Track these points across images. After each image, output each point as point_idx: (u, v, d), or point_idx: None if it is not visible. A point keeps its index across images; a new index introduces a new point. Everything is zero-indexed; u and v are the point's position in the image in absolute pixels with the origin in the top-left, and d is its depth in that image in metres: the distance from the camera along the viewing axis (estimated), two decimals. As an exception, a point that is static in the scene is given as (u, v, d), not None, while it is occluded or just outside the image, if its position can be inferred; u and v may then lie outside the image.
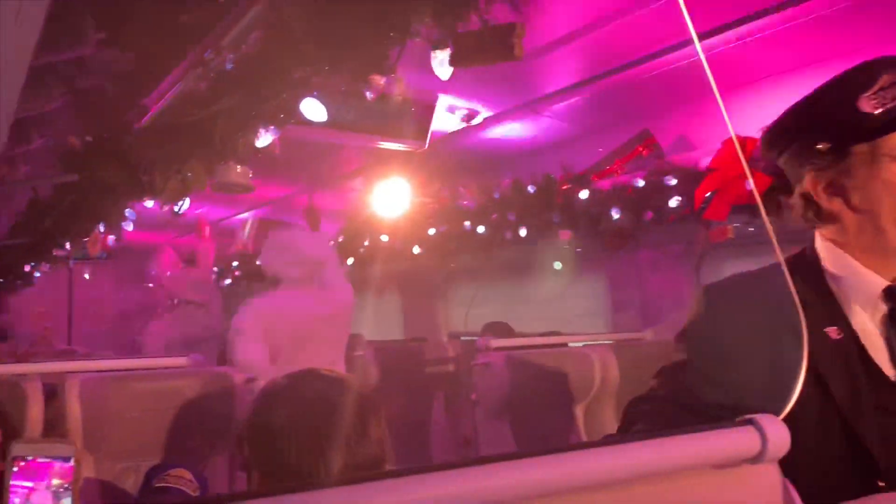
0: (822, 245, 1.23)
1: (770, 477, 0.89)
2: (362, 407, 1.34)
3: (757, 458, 0.85)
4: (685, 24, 1.20)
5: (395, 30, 1.46)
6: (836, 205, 1.19)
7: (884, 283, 1.17)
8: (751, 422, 0.87)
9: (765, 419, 0.88)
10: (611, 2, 2.51)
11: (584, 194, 3.26)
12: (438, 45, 1.57)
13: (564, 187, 3.35)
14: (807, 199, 1.21)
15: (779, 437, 0.86)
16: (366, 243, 4.65)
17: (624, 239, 3.22)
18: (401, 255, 4.46)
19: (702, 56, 1.19)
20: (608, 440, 0.83)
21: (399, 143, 3.18)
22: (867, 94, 1.15)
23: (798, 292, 1.11)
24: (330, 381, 1.37)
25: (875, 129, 1.14)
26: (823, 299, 1.18)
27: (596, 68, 3.06)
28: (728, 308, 1.22)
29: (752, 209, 2.64)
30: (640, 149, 3.33)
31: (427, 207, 4.00)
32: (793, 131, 1.23)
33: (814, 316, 1.12)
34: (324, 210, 4.77)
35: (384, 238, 4.42)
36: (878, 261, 1.17)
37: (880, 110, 1.14)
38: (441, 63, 1.59)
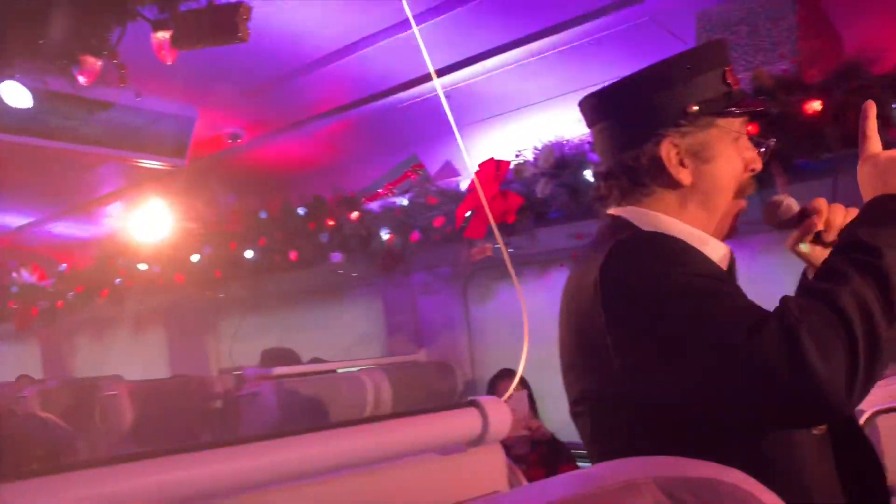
0: (647, 216, 1.18)
1: (494, 458, 0.90)
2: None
3: (479, 440, 0.85)
4: (430, 56, 1.20)
5: (109, 6, 1.34)
6: (683, 174, 1.16)
7: (725, 248, 1.19)
8: (473, 404, 0.87)
9: (488, 401, 0.88)
10: (369, 25, 2.53)
11: (354, 215, 3.25)
12: (159, 27, 1.46)
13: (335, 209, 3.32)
14: (651, 163, 1.17)
15: (500, 418, 0.87)
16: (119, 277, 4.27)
17: (395, 260, 3.24)
18: (163, 285, 4.15)
19: (439, 90, 1.19)
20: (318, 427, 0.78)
21: (155, 159, 2.96)
22: (728, 70, 1.19)
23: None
24: None
25: (741, 104, 1.17)
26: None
27: (359, 92, 3.08)
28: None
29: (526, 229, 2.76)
30: (409, 173, 3.40)
31: (190, 231, 3.76)
32: (655, 87, 1.19)
33: None
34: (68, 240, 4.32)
35: (142, 267, 4.09)
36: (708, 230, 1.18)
37: (734, 87, 1.18)
38: (163, 45, 1.48)
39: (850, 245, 1.00)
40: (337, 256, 3.35)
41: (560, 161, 2.53)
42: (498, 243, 2.99)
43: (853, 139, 2.00)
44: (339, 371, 3.23)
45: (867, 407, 1.54)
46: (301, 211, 3.44)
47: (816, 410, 0.94)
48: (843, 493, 1.08)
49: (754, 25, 2.20)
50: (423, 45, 1.20)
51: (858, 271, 0.95)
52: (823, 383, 0.89)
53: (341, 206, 3.32)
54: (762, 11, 2.20)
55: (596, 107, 1.25)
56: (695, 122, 1.16)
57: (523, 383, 2.97)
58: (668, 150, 1.16)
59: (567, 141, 2.57)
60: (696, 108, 1.15)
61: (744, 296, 1.01)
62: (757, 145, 1.20)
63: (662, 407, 1.01)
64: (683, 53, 1.20)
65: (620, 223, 1.18)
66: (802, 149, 2.05)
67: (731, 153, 1.17)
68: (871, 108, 1.11)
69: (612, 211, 1.22)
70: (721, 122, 1.17)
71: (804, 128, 2.00)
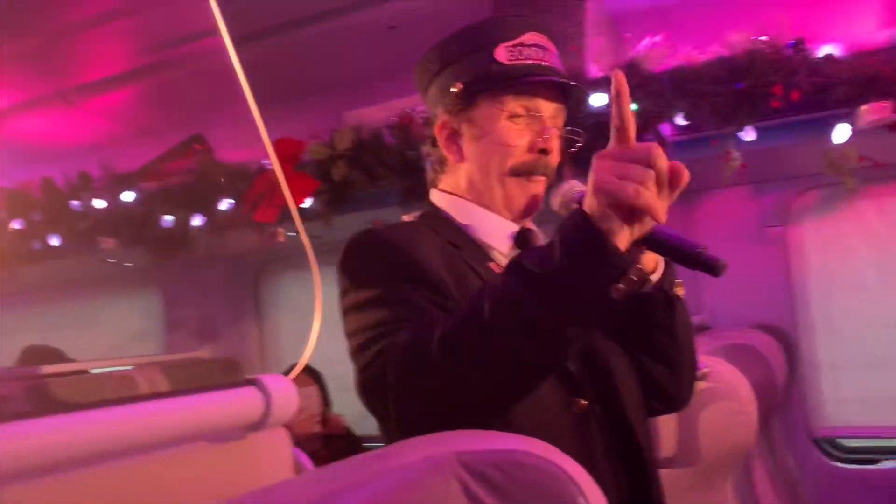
0: (441, 199, 1.19)
1: (278, 444, 0.79)
2: None
3: (260, 424, 0.74)
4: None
5: None
6: (453, 153, 1.17)
7: (513, 227, 1.16)
8: (252, 382, 0.76)
9: (270, 379, 0.77)
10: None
11: (128, 196, 2.93)
12: None
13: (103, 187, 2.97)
14: (434, 144, 1.19)
15: (285, 397, 0.77)
16: None
17: (175, 247, 2.96)
18: None
19: (234, 58, 1.06)
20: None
21: None
22: (507, 45, 1.13)
23: (446, 239, 1.10)
24: None
25: (501, 79, 1.12)
26: (470, 245, 1.13)
27: (137, 60, 2.79)
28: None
29: (320, 215, 2.62)
30: (193, 150, 3.13)
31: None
32: (433, 68, 1.18)
33: (472, 255, 1.10)
34: None
35: None
36: (493, 211, 1.16)
37: (513, 63, 1.12)
38: None
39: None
40: (108, 243, 3.01)
41: (358, 143, 2.44)
42: (291, 230, 2.85)
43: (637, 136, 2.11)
44: (108, 370, 2.90)
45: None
46: (65, 190, 3.06)
47: None
48: (610, 470, 1.08)
49: (545, 20, 2.27)
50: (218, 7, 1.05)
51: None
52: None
53: (114, 185, 2.98)
54: (555, 7, 2.27)
55: (417, 85, 1.25)
56: (463, 100, 1.14)
57: (315, 376, 2.84)
58: (439, 130, 1.18)
59: (367, 123, 2.49)
60: (458, 86, 1.14)
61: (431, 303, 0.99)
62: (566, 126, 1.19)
63: None
64: (453, 35, 1.18)
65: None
66: (591, 142, 2.13)
67: (500, 131, 1.14)
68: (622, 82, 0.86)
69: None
70: (487, 98, 1.14)
71: (594, 121, 2.07)
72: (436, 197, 1.21)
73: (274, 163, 2.43)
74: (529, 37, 1.14)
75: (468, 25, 1.18)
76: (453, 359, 0.87)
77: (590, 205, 0.82)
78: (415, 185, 2.27)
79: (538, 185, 1.16)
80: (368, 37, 2.73)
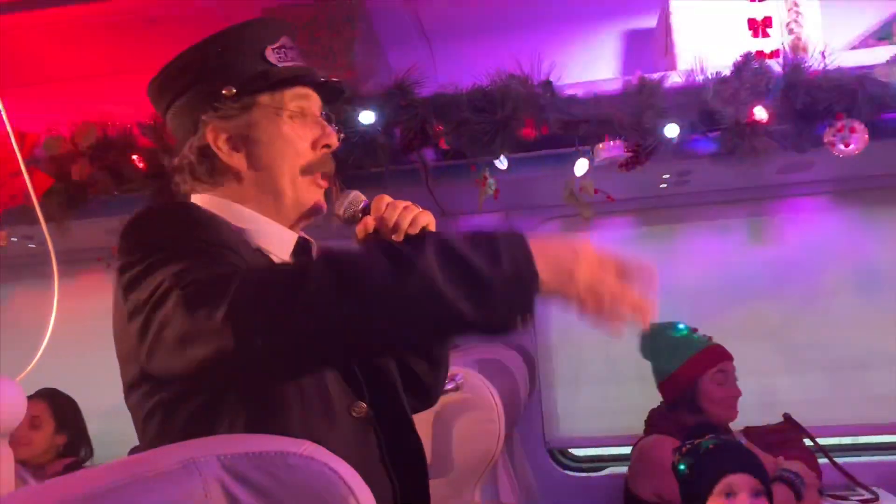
0: (211, 203, 1.11)
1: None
2: None
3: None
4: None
5: None
6: (236, 160, 1.11)
7: (293, 235, 1.14)
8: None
9: (-8, 384, 0.66)
10: None
11: None
12: None
13: None
14: (203, 153, 1.11)
15: (8, 404, 0.65)
16: None
17: None
18: None
19: None
20: None
21: None
22: (273, 47, 1.13)
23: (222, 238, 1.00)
24: None
25: (278, 80, 1.12)
26: (248, 248, 1.07)
27: None
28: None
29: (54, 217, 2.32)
30: None
31: None
32: (193, 74, 1.11)
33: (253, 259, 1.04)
34: None
35: None
36: (279, 217, 1.13)
37: (283, 65, 1.13)
38: None
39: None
40: None
41: (103, 142, 2.22)
42: (14, 235, 2.51)
43: (398, 155, 2.16)
44: None
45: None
46: None
47: None
48: (388, 477, 1.09)
49: (316, 32, 2.26)
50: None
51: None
52: None
53: None
54: (324, 21, 2.27)
55: (154, 96, 1.17)
56: (235, 104, 1.11)
57: (52, 397, 2.53)
58: (214, 137, 1.11)
59: (114, 121, 2.28)
60: (230, 90, 1.11)
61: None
62: (327, 120, 1.19)
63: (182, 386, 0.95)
64: (215, 36, 1.14)
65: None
66: (358, 159, 2.14)
67: (285, 131, 1.13)
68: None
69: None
70: (265, 100, 1.13)
71: (360, 137, 2.09)
72: (202, 201, 1.13)
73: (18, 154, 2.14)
74: (286, 40, 1.16)
75: (231, 27, 1.15)
76: (348, 300, 0.81)
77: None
78: (165, 190, 2.12)
79: (322, 189, 1.17)
80: (124, 28, 2.52)
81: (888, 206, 2.66)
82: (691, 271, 2.78)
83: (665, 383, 2.30)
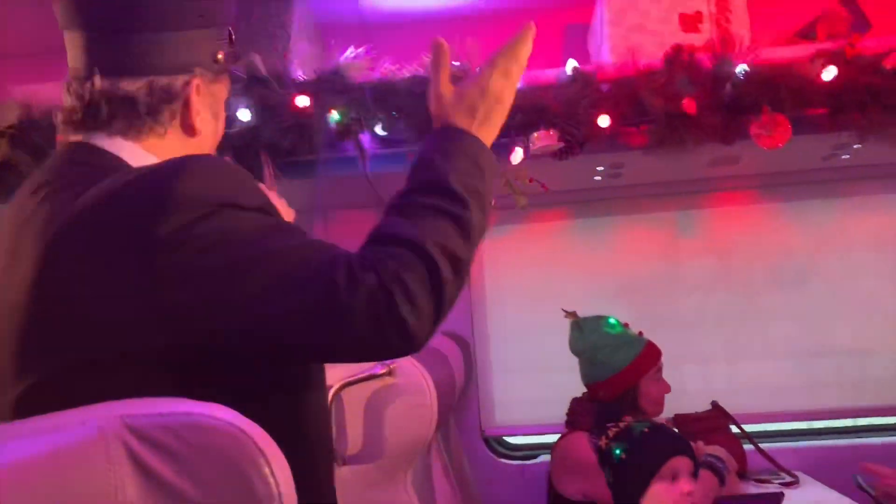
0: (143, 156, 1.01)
1: None
2: None
3: None
4: None
5: None
6: (199, 121, 1.06)
7: None
8: None
9: None
10: None
11: None
12: None
13: None
14: (176, 99, 1.03)
15: None
16: None
17: None
18: None
19: None
20: None
21: None
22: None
23: None
24: None
25: (236, 60, 1.12)
26: None
27: None
28: None
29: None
30: None
31: None
32: (211, 16, 1.06)
33: None
34: None
35: None
36: None
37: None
38: None
39: (436, 189, 0.97)
40: None
41: (27, 121, 2.14)
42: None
43: (335, 143, 2.14)
44: None
45: (334, 381, 1.63)
46: None
47: (396, 354, 0.91)
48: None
49: (252, 15, 2.22)
50: None
51: (446, 220, 0.94)
52: (413, 338, 0.87)
53: None
54: (262, 4, 2.24)
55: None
56: (219, 70, 1.09)
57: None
58: (196, 91, 1.05)
59: (38, 101, 2.20)
60: (223, 54, 1.08)
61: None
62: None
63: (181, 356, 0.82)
64: None
65: (105, 159, 0.98)
66: (292, 144, 2.11)
67: (223, 112, 1.14)
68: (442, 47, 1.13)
69: (98, 141, 1.00)
70: (226, 78, 1.12)
71: (295, 122, 2.07)
72: (141, 158, 1.00)
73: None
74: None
75: None
76: (459, 280, 0.93)
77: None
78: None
79: None
80: (48, 6, 2.42)
81: (811, 199, 2.77)
82: (625, 263, 2.85)
83: (603, 383, 2.27)
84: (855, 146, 2.37)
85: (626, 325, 2.34)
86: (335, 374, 1.67)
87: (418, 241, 0.89)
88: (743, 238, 2.80)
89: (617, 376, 2.23)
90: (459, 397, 2.69)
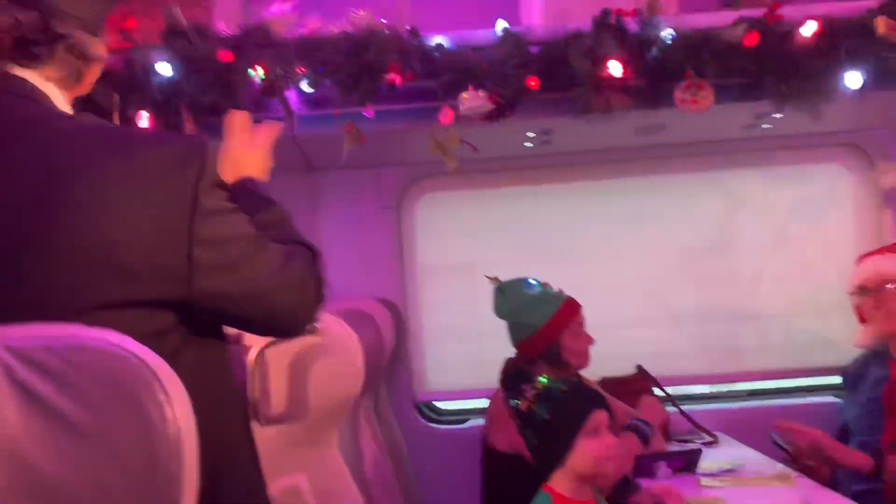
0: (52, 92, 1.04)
1: None
2: None
3: None
4: None
5: None
6: (88, 72, 1.09)
7: None
8: None
9: None
10: None
11: None
12: None
13: None
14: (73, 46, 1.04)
15: None
16: None
17: None
18: None
19: None
20: None
21: None
22: None
23: None
24: None
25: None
26: None
27: None
28: None
29: None
30: None
31: None
32: None
33: None
34: None
35: None
36: None
37: None
38: None
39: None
40: None
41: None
42: None
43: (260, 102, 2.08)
44: None
45: (254, 343, 1.60)
46: None
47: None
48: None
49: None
50: None
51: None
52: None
53: None
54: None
55: None
56: (100, 28, 1.10)
57: None
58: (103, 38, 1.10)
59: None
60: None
61: None
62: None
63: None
64: None
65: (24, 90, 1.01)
66: (214, 101, 2.05)
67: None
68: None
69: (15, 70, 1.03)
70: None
71: (217, 77, 2.00)
72: (37, 87, 1.04)
73: None
74: None
75: None
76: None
77: None
78: None
79: None
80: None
81: (734, 169, 2.85)
82: (555, 230, 2.88)
83: (527, 341, 2.30)
84: (775, 115, 2.44)
85: (545, 285, 2.35)
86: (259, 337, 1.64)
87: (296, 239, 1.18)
88: (669, 206, 2.86)
89: (539, 333, 2.26)
90: (390, 363, 2.68)
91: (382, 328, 2.24)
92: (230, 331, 1.16)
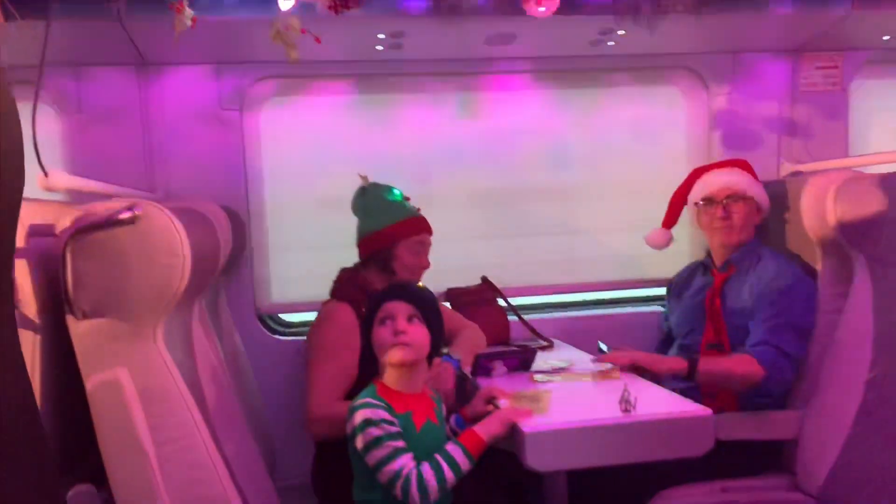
0: None
1: None
2: None
3: None
4: None
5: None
6: None
7: None
8: None
9: None
10: None
11: None
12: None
13: None
14: None
15: None
16: None
17: None
18: None
19: None
20: None
21: None
22: None
23: None
24: None
25: None
26: None
27: None
28: None
29: None
30: None
31: None
32: None
33: None
34: None
35: None
36: None
37: None
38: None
39: None
40: None
41: None
42: None
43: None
44: None
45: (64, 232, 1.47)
46: None
47: None
48: None
49: None
50: None
51: None
52: None
53: None
54: None
55: None
56: None
57: None
58: None
59: None
60: None
61: None
62: None
63: None
64: None
65: None
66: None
67: None
68: None
69: None
70: None
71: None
72: None
73: None
74: None
75: None
76: None
77: None
78: None
79: None
80: None
81: (578, 87, 2.91)
82: (406, 140, 2.84)
83: (365, 240, 2.33)
84: (619, 32, 2.50)
85: (407, 199, 2.38)
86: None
87: None
88: (515, 121, 2.89)
89: (376, 234, 2.29)
90: (230, 271, 2.59)
91: (220, 231, 2.14)
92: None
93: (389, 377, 1.68)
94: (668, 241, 2.69)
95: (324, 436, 2.11)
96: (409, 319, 1.65)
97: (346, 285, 2.29)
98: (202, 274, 1.93)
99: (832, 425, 2.07)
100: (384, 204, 2.34)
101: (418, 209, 2.38)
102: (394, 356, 1.64)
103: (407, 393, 1.67)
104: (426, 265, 2.35)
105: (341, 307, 2.21)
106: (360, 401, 1.63)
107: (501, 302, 2.79)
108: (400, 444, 1.58)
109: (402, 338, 1.63)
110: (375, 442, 1.57)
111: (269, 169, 2.77)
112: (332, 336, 2.16)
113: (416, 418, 1.66)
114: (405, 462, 1.57)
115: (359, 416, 1.60)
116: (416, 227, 2.33)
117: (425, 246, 2.35)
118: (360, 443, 1.59)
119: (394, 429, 1.58)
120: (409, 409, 1.64)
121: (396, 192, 2.38)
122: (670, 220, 2.69)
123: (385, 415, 1.59)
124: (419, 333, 1.66)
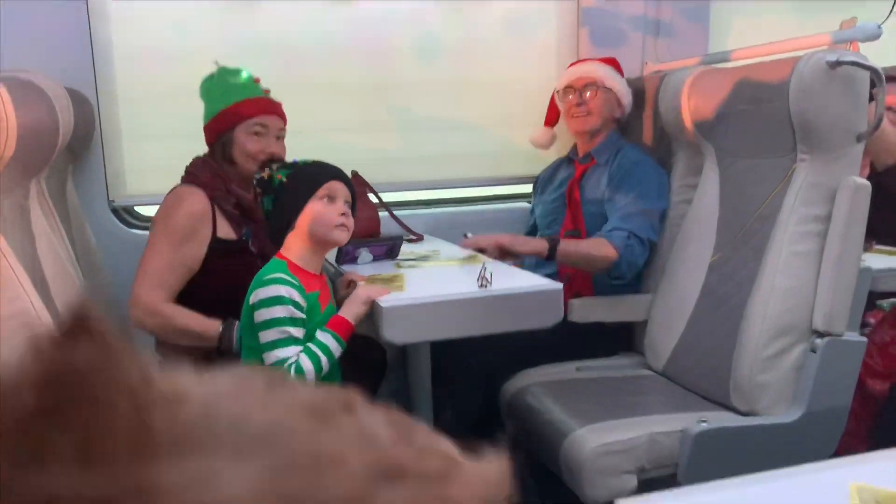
0: None
1: None
2: None
3: None
4: None
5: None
6: None
7: None
8: None
9: None
10: None
11: None
12: None
13: None
14: None
15: None
16: None
17: None
18: None
19: None
20: None
21: None
22: None
23: None
24: None
25: None
26: None
27: None
28: None
29: None
30: None
31: None
32: None
33: None
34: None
35: None
36: None
37: None
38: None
39: None
40: None
41: None
42: None
43: None
44: None
45: None
46: None
47: None
48: None
49: None
50: None
51: None
52: None
53: None
54: None
55: None
56: None
57: None
58: None
59: None
60: None
61: None
62: None
63: None
64: None
65: None
66: None
67: None
68: None
69: None
70: None
71: None
72: None
73: None
74: None
75: None
76: None
77: None
78: None
79: None
80: None
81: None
82: (271, 26, 2.69)
83: (206, 127, 2.15)
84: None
85: (257, 80, 2.20)
86: None
87: None
88: (386, 9, 2.80)
89: (214, 119, 2.13)
90: (80, 158, 2.42)
91: (60, 110, 1.98)
92: None
93: (301, 256, 1.69)
94: (551, 139, 2.72)
95: (144, 329, 1.99)
96: (346, 205, 1.71)
97: (201, 170, 2.13)
98: (34, 150, 1.79)
99: (678, 305, 2.21)
100: (228, 86, 2.13)
101: (267, 90, 2.20)
102: (340, 237, 1.66)
103: (312, 273, 1.70)
104: (266, 151, 2.09)
105: (195, 192, 2.07)
106: (274, 275, 1.62)
107: (372, 197, 2.75)
108: (295, 331, 1.59)
109: (348, 221, 1.67)
110: (276, 322, 1.58)
111: (121, 50, 2.55)
112: (182, 222, 2.01)
113: (322, 299, 1.69)
114: (292, 352, 1.58)
115: (272, 290, 1.60)
116: (255, 107, 2.10)
117: (269, 129, 2.13)
118: (259, 317, 1.59)
119: (298, 314, 1.60)
120: (316, 290, 1.68)
121: (244, 73, 2.18)
122: (551, 117, 2.72)
123: (297, 296, 1.62)
124: (351, 220, 1.73)
